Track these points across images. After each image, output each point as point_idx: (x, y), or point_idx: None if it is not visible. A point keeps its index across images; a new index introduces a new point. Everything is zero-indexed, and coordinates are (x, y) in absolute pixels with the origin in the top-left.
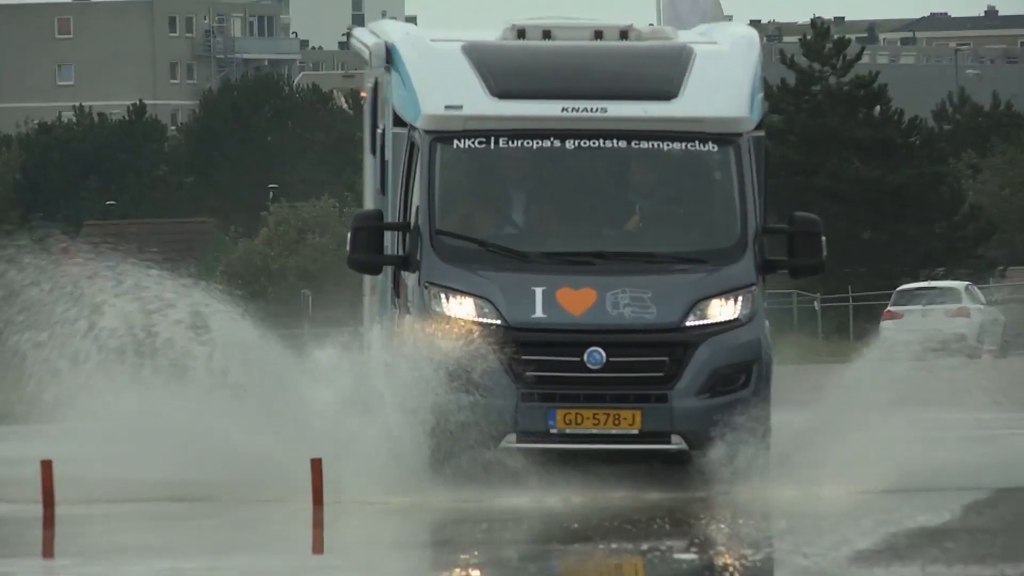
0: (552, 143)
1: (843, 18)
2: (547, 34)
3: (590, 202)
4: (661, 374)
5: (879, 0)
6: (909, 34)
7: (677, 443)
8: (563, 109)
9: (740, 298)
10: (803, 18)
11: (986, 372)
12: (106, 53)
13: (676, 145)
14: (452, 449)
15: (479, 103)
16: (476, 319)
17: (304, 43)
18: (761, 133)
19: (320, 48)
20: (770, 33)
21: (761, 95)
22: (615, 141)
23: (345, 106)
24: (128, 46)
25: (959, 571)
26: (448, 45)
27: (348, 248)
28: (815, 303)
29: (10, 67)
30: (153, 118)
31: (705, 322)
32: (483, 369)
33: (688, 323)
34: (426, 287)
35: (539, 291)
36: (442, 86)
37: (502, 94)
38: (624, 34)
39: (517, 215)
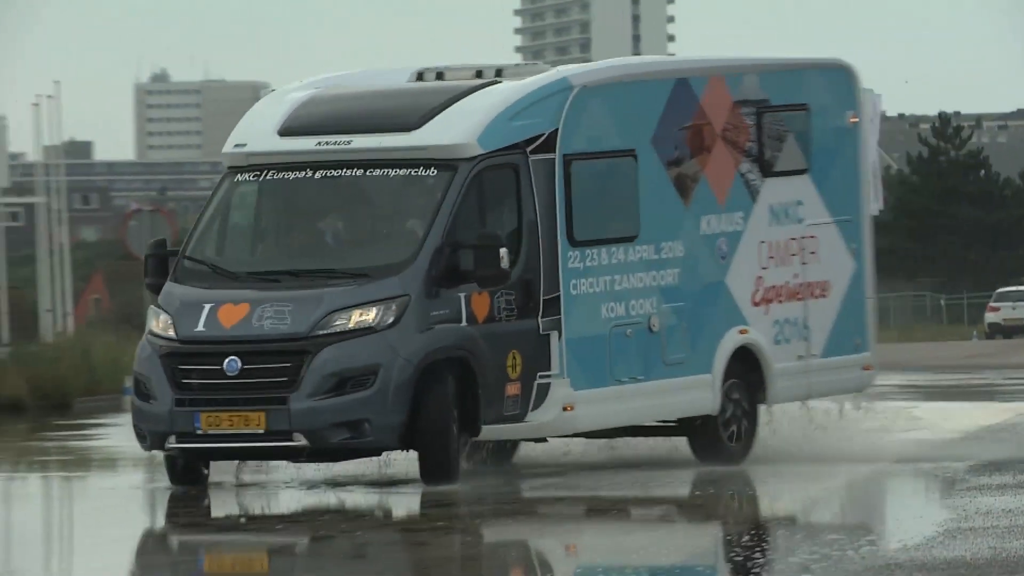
0: (306, 173)
1: (959, 111)
2: (440, 75)
3: (313, 225)
4: (285, 379)
5: (984, 98)
6: (1003, 123)
7: (298, 440)
8: (317, 143)
9: (383, 307)
10: (932, 111)
11: None
12: None
13: (402, 171)
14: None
15: (261, 141)
16: (160, 333)
17: None
18: (552, 155)
19: None
20: (911, 122)
21: (527, 122)
22: (354, 170)
23: None
24: None
25: None
26: (297, 94)
27: (144, 273)
28: (941, 300)
29: None
30: None
31: (335, 331)
32: (154, 378)
33: (317, 332)
34: (151, 306)
35: (207, 307)
36: (245, 128)
37: (284, 132)
38: (499, 72)
39: (251, 239)
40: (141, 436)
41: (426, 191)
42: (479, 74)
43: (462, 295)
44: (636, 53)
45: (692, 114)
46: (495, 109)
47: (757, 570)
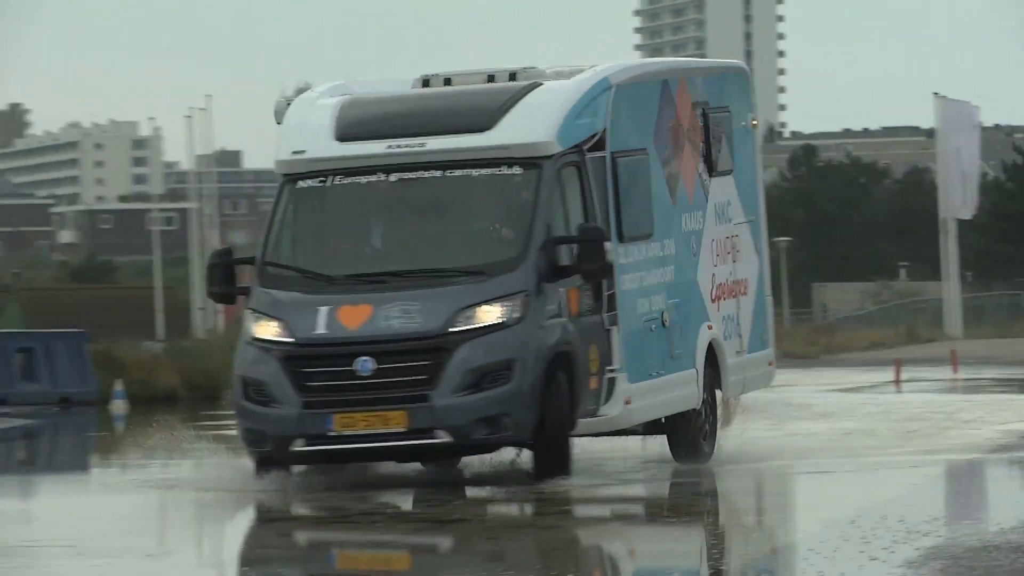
0: (378, 177)
1: None
2: (447, 81)
3: (400, 227)
4: (425, 376)
5: None
6: None
7: (442, 437)
8: (388, 147)
9: (508, 303)
10: None
11: None
12: None
13: (485, 171)
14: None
15: (321, 147)
16: (272, 338)
17: None
18: (601, 154)
19: None
20: (1007, 131)
21: (590, 120)
22: (431, 172)
23: None
24: None
25: None
26: (331, 100)
27: (207, 282)
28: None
29: None
30: None
31: (468, 328)
32: (274, 382)
33: (450, 329)
34: (247, 311)
35: (324, 310)
36: (298, 135)
37: (343, 138)
38: (513, 76)
39: (335, 243)
40: (256, 440)
41: (513, 189)
42: (491, 78)
43: (562, 290)
44: (748, 51)
45: (672, 114)
46: (563, 108)
47: (865, 549)
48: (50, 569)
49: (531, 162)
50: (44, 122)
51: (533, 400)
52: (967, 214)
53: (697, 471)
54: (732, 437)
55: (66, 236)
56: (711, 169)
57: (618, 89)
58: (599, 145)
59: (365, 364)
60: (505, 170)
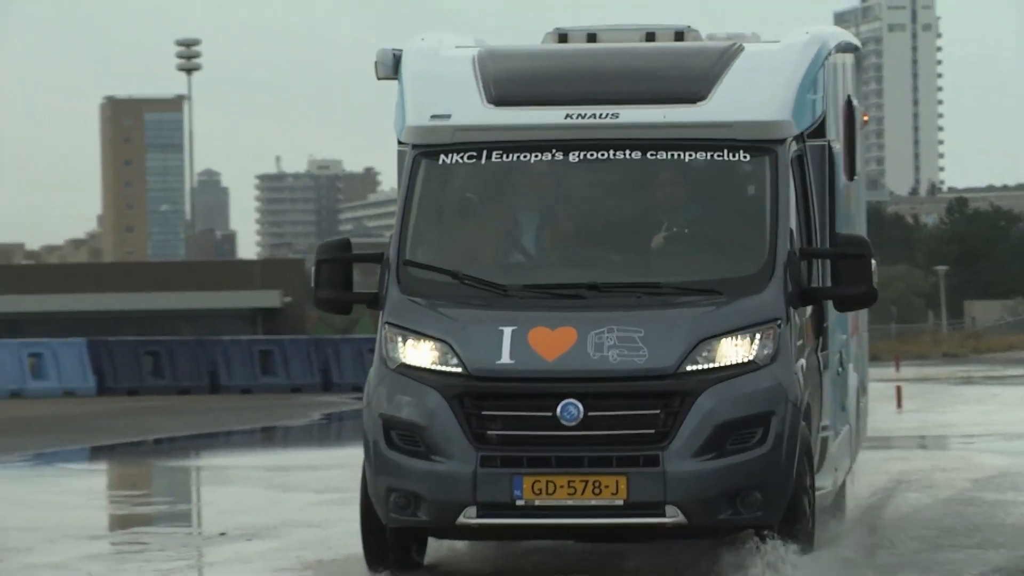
0: (554, 156)
1: None
2: (592, 38)
3: (591, 225)
4: (652, 431)
5: None
6: None
7: (673, 516)
8: (567, 116)
9: (758, 335)
10: None
11: None
12: None
13: (700, 155)
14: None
15: (471, 112)
16: (432, 366)
17: None
18: (825, 141)
19: None
20: None
21: (818, 96)
22: (627, 152)
23: None
24: None
25: None
26: (461, 52)
27: (312, 284)
28: None
29: None
30: None
31: (709, 366)
32: (437, 427)
33: (687, 367)
34: (385, 327)
35: (508, 332)
36: (434, 95)
37: (500, 101)
38: (680, 36)
39: (503, 241)
40: (405, 506)
41: (739, 181)
42: (651, 37)
43: (801, 320)
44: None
45: (842, 98)
46: (794, 78)
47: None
48: None
49: (759, 146)
50: (389, 180)
51: (789, 465)
52: None
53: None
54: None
55: None
56: (851, 172)
57: (829, 59)
58: (817, 131)
59: (571, 409)
60: (727, 155)
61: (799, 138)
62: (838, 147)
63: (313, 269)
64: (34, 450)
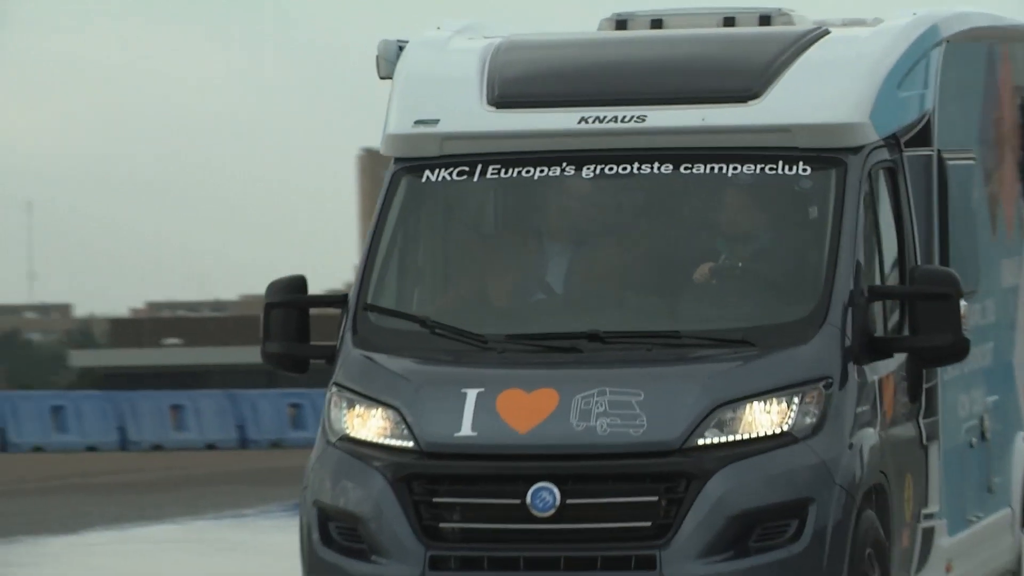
0: (563, 170)
1: None
2: (657, 24)
3: (602, 258)
4: (649, 524)
5: None
6: None
7: None
8: (581, 120)
9: (796, 399)
10: None
11: None
12: None
13: (747, 168)
14: None
15: (465, 116)
16: (377, 440)
17: None
18: (932, 151)
19: None
20: None
21: (917, 93)
22: (655, 165)
23: None
24: None
25: None
26: (474, 44)
27: (261, 334)
28: None
29: None
30: None
31: (728, 439)
32: (381, 519)
33: (697, 441)
34: (331, 389)
35: (473, 395)
36: (425, 96)
37: (501, 102)
38: (766, 20)
39: (490, 280)
40: None
41: (796, 200)
42: (730, 22)
43: (876, 377)
44: None
45: (996, 101)
46: (878, 70)
47: None
48: None
49: (828, 156)
50: None
51: (836, 566)
52: None
53: None
54: None
55: None
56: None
57: (948, 48)
58: (920, 137)
59: (544, 496)
60: (782, 168)
61: (891, 146)
62: (966, 161)
63: (263, 316)
64: (292, 500)
